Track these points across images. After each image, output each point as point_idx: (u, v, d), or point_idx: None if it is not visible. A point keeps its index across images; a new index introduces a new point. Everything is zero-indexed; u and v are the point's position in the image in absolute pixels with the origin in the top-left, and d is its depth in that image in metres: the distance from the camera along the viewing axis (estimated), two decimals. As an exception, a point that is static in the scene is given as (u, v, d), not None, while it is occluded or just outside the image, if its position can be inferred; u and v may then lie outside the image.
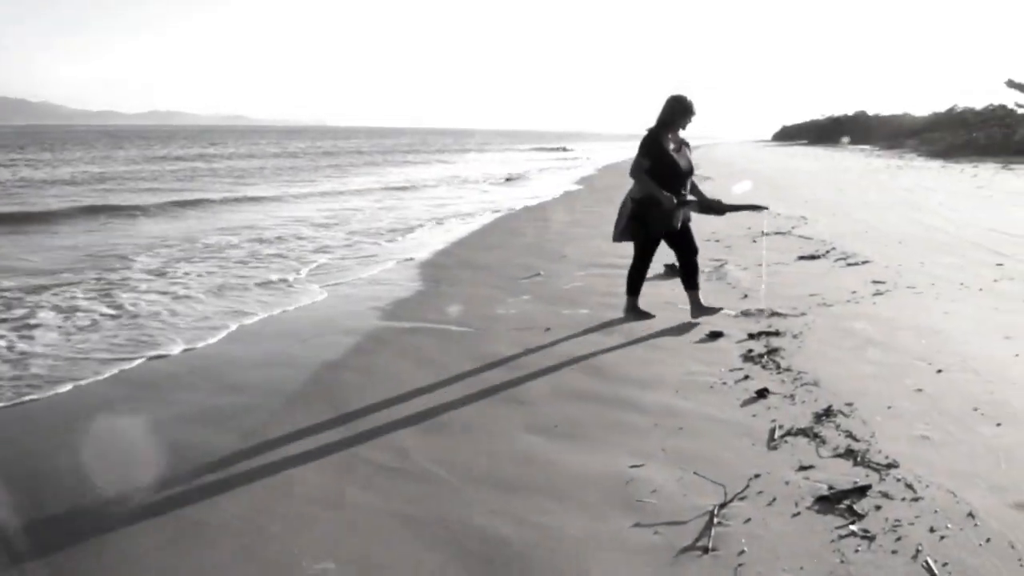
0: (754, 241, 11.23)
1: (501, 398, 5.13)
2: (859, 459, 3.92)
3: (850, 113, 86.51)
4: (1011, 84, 57.11)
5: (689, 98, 6.63)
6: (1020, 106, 56.41)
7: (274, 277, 9.76)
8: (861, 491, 3.58)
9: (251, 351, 6.55)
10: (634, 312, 7.04)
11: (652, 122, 6.70)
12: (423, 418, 4.80)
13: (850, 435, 4.22)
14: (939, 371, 5.23)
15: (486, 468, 4.07)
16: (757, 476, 3.78)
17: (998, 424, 4.32)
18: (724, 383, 5.18)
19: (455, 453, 4.27)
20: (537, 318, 7.20)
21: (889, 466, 3.82)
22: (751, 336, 6.24)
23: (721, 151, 63.55)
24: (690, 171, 6.78)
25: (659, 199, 6.51)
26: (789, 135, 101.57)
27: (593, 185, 26.29)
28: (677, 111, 6.63)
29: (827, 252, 10.10)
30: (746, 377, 5.26)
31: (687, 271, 6.92)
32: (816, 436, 4.22)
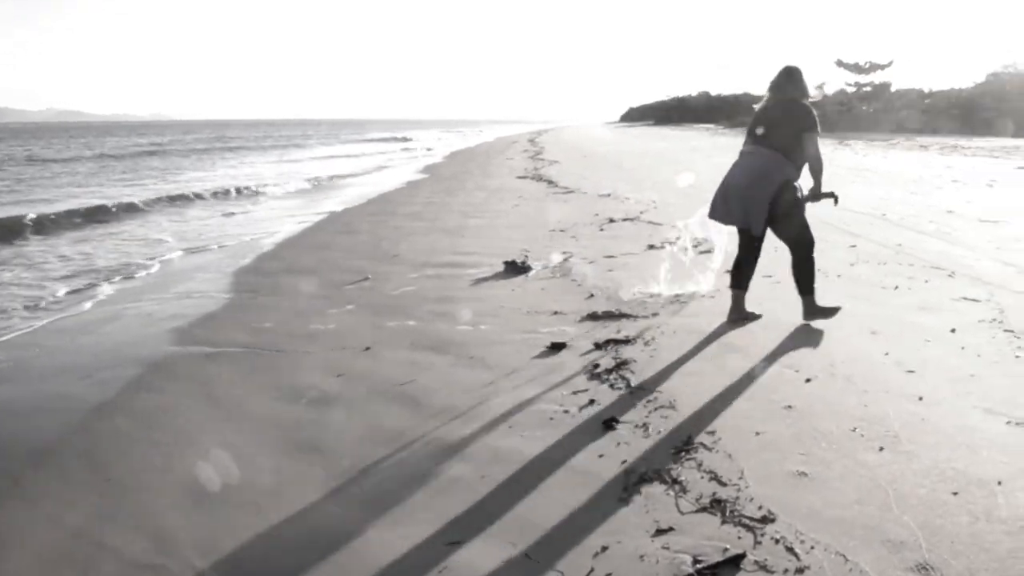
0: (601, 229, 10.59)
1: (300, 446, 4.17)
2: (728, 513, 3.18)
3: (694, 94, 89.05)
4: (840, 64, 60.14)
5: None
6: (850, 84, 59.48)
7: (60, 295, 8.40)
8: (734, 563, 2.84)
9: (17, 394, 5.36)
10: (821, 311, 5.79)
11: (786, 92, 5.78)
12: (199, 484, 3.79)
13: (715, 477, 3.49)
14: (808, 380, 4.61)
15: (265, 558, 3.13)
16: (604, 549, 2.98)
17: (880, 448, 3.70)
18: (566, 411, 4.38)
19: (231, 536, 3.31)
20: (357, 334, 6.24)
21: (764, 520, 3.11)
22: (597, 346, 5.48)
23: (569, 134, 63.64)
24: None
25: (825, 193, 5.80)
26: (636, 116, 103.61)
27: (439, 174, 25.22)
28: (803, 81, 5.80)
29: (678, 239, 9.53)
30: (591, 402, 4.48)
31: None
32: (675, 482, 3.47)
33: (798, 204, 5.68)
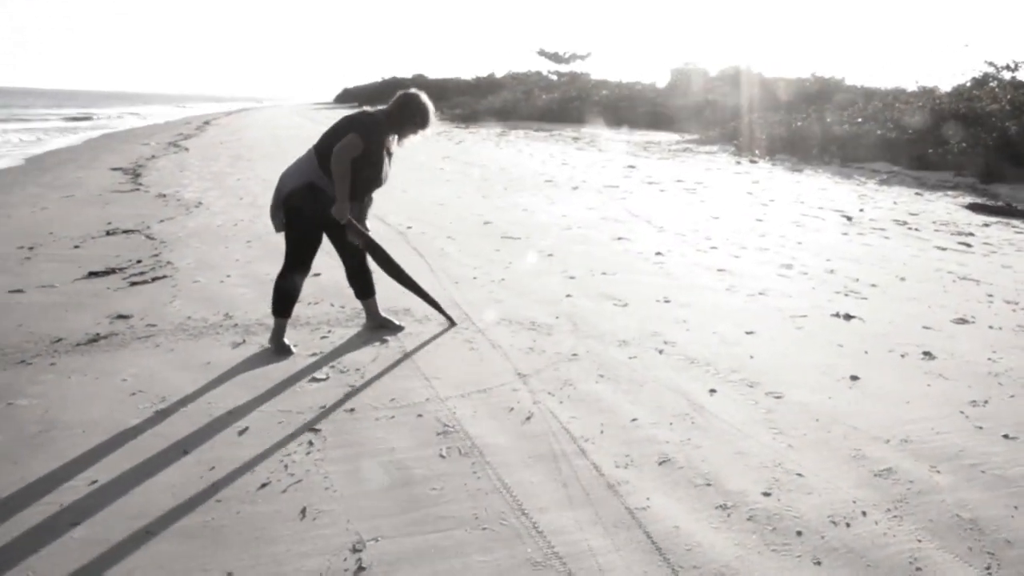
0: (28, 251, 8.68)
1: None
2: None
3: (409, 76, 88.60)
4: (542, 53, 62.17)
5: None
6: (552, 73, 61.56)
7: None
8: None
9: None
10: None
11: None
12: None
13: None
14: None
15: None
16: None
17: None
18: None
19: None
20: None
21: None
22: None
23: (259, 116, 59.16)
24: None
25: None
26: (350, 97, 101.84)
27: (44, 163, 21.12)
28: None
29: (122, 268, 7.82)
30: None
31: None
32: None
33: None
